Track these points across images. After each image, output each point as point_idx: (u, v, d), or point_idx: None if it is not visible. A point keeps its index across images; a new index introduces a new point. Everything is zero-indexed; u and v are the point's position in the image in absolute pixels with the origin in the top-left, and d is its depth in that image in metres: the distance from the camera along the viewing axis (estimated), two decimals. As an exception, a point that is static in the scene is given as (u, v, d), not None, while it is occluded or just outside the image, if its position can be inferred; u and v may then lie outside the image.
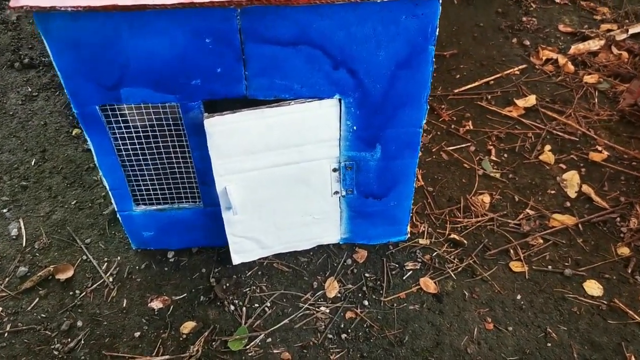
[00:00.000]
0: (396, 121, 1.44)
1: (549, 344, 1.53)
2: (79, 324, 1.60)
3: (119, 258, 1.76)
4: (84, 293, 1.67)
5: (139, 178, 1.55)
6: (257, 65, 1.30)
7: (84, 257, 1.76)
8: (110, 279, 1.70)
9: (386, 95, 1.38)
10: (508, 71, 2.35)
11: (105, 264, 1.74)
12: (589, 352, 1.51)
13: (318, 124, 1.42)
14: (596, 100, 2.21)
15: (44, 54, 2.49)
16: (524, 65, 2.38)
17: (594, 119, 2.13)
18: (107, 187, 1.55)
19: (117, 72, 1.28)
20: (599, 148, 2.03)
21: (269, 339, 1.56)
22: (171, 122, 1.43)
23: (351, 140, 1.47)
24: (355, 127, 1.44)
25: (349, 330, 1.58)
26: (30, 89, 2.33)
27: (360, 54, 1.29)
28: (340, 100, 1.38)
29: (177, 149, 1.49)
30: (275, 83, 1.33)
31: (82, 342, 1.56)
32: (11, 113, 2.24)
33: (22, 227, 1.84)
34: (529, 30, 2.55)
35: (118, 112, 1.39)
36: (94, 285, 1.69)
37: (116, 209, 1.62)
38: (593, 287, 1.65)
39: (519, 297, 1.64)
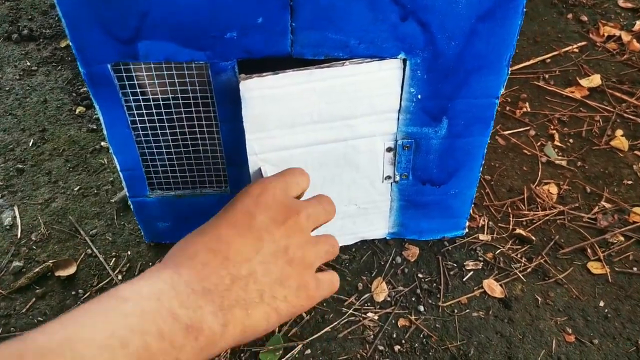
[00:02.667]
0: (469, 89, 1.18)
1: (643, 361, 1.28)
2: (82, 329, 1.35)
3: (129, 253, 1.51)
4: (89, 293, 1.42)
5: (156, 157, 1.30)
6: (308, 15, 1.04)
7: (89, 251, 1.51)
8: (119, 277, 1.46)
9: (461, 56, 1.12)
10: (566, 49, 2.09)
11: (113, 259, 1.50)
12: (691, 370, 1.27)
13: (375, 91, 1.16)
14: (668, 81, 1.96)
15: (45, 25, 2.24)
16: (583, 43, 2.13)
17: (667, 102, 1.88)
18: (118, 168, 1.30)
19: (135, 19, 1.03)
20: (678, 134, 1.78)
21: (308, 350, 1.31)
22: (197, 88, 1.18)
23: (413, 113, 1.21)
24: (419, 96, 1.18)
25: (403, 341, 1.33)
26: (29, 63, 2.08)
27: (436, 2, 1.04)
28: (405, 61, 1.13)
29: (203, 122, 1.24)
30: (328, 38, 1.08)
31: (86, 351, 1.31)
32: (7, 89, 1.99)
33: (17, 215, 1.60)
34: (585, 5, 2.30)
35: (134, 74, 1.14)
36: (100, 284, 1.44)
37: (127, 195, 1.38)
38: (688, 293, 1.40)
39: (602, 303, 1.39)
